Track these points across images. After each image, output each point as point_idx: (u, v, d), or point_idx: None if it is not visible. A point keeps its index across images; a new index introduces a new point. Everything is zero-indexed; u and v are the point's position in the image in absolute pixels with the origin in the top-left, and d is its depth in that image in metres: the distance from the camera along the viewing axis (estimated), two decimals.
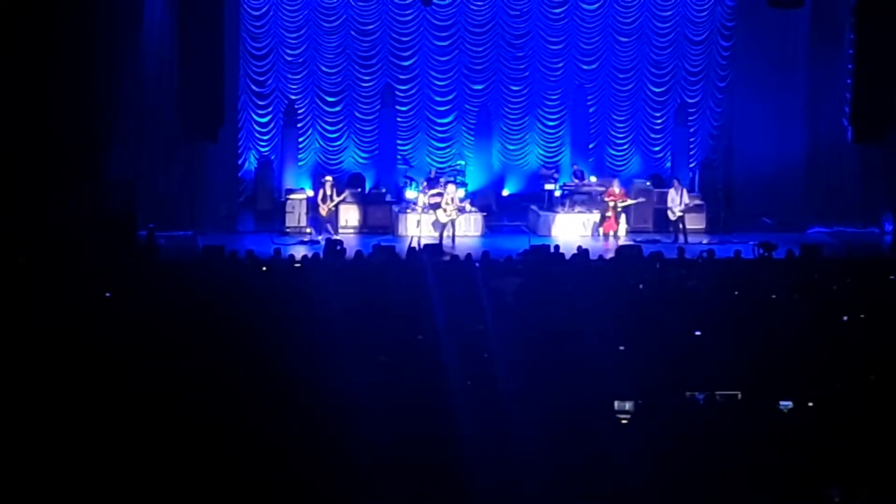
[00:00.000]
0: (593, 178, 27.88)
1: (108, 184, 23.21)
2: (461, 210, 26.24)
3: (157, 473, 9.33)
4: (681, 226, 26.16)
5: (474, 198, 28.02)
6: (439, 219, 25.71)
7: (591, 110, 29.94)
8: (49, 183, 21.85)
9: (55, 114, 22.08)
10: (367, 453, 9.68)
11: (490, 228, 27.17)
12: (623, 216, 26.40)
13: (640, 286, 17.74)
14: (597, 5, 29.68)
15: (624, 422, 11.13)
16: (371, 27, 29.38)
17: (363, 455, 9.67)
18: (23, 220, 21.13)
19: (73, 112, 22.37)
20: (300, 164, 29.11)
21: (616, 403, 11.52)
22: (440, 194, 26.08)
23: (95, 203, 22.36)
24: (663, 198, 27.24)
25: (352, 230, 26.74)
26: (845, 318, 15.54)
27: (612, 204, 26.19)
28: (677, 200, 26.25)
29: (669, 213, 26.32)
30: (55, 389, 10.60)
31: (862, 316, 15.65)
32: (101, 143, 23.19)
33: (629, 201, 26.53)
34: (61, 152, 22.18)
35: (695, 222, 26.65)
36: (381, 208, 27.22)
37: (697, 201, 26.82)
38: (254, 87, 29.12)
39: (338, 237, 24.74)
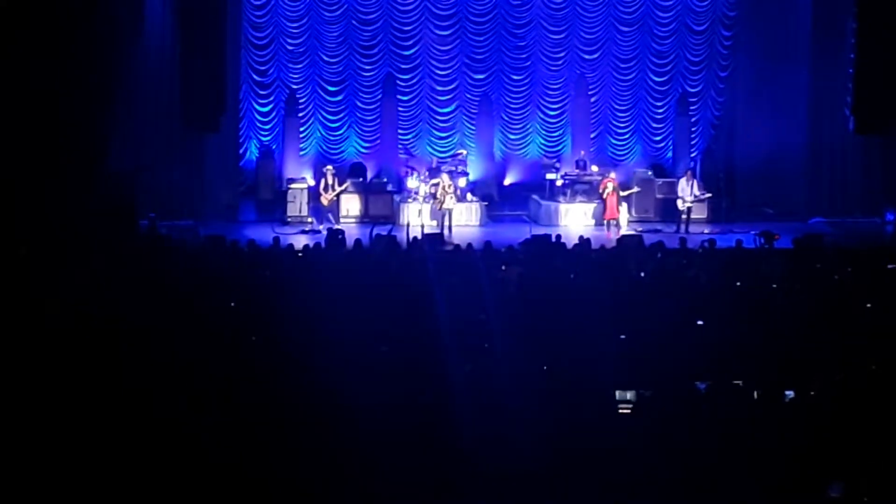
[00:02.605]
0: (595, 168, 27.87)
1: (110, 174, 23.19)
2: (458, 199, 26.20)
3: (161, 460, 9.35)
4: (684, 216, 26.15)
5: (475, 187, 28.04)
6: (435, 208, 25.75)
7: (592, 100, 29.96)
8: (50, 174, 21.81)
9: (56, 105, 22.03)
10: (370, 444, 9.69)
11: (491, 218, 27.18)
12: (624, 205, 26.38)
13: (642, 275, 17.73)
14: None
15: (625, 411, 11.13)
16: (372, 16, 29.40)
17: (365, 446, 9.68)
18: (24, 210, 21.11)
19: (74, 103, 22.32)
20: (301, 153, 29.14)
21: (617, 393, 11.53)
22: (438, 185, 26.10)
23: (97, 194, 22.34)
24: (665, 187, 27.26)
25: (353, 220, 26.74)
26: (846, 307, 15.53)
27: (606, 192, 26.19)
28: (688, 191, 26.22)
29: (679, 202, 26.26)
30: (57, 381, 10.61)
31: (863, 305, 15.64)
32: (103, 134, 23.16)
33: (624, 192, 26.50)
34: (62, 143, 22.14)
35: (697, 212, 26.61)
36: (383, 198, 27.21)
37: (708, 195, 26.68)
38: (255, 77, 29.16)
39: (339, 227, 24.73)
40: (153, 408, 10.12)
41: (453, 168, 27.37)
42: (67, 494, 9.06)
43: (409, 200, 26.72)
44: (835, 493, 9.35)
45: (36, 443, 9.40)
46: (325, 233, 23.51)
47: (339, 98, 29.62)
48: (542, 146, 30.20)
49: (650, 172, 28.24)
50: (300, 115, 29.16)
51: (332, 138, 29.69)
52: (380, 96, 29.48)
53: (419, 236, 22.71)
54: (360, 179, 27.83)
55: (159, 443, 9.54)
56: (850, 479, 9.43)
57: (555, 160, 29.06)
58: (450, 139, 29.87)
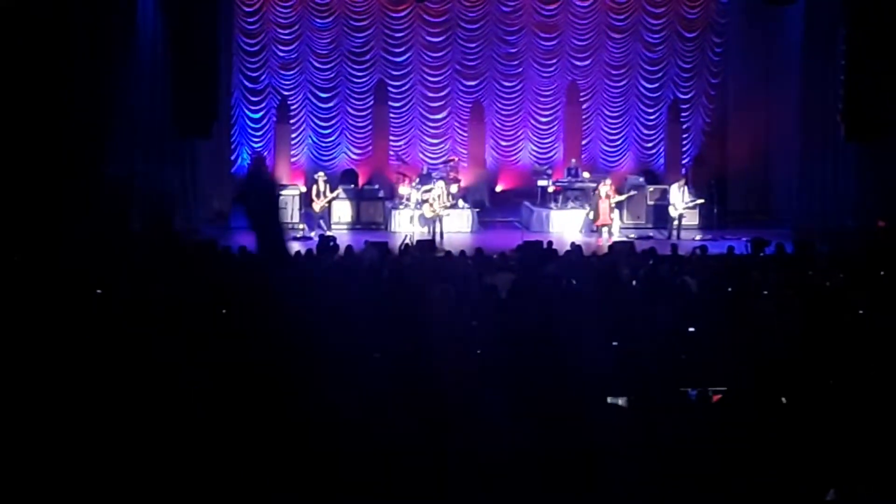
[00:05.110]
0: (586, 174, 27.92)
1: (103, 181, 23.17)
2: (450, 206, 26.21)
3: (155, 462, 9.33)
4: (676, 223, 26.20)
5: (467, 194, 28.07)
6: (425, 214, 25.75)
7: (584, 106, 30.01)
8: (44, 180, 21.80)
9: (50, 112, 22.02)
10: (363, 448, 9.68)
11: (483, 224, 27.21)
12: (617, 212, 26.43)
13: (634, 282, 17.73)
14: (590, 1, 29.73)
15: (616, 418, 11.11)
16: (364, 23, 29.42)
17: (359, 451, 9.67)
18: (17, 218, 21.09)
19: (67, 110, 22.31)
20: (293, 160, 29.14)
21: (608, 399, 11.51)
22: (431, 191, 26.14)
23: (90, 200, 22.33)
24: (657, 193, 27.31)
25: (345, 226, 26.75)
26: (838, 314, 15.54)
27: (602, 199, 26.24)
28: (679, 197, 26.26)
29: (671, 208, 26.32)
30: (53, 388, 10.59)
31: (855, 312, 15.65)
32: (97, 141, 23.14)
33: (619, 197, 26.56)
34: (56, 150, 22.13)
35: (688, 218, 26.69)
36: (374, 204, 27.24)
37: (700, 201, 26.73)
38: (247, 84, 29.18)
39: (331, 233, 24.73)
40: (145, 413, 10.10)
41: (444, 174, 27.40)
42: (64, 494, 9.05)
43: (401, 207, 26.74)
44: (830, 498, 9.35)
45: (35, 450, 9.38)
46: (316, 239, 23.51)
47: (330, 105, 29.66)
48: (534, 153, 30.26)
49: (642, 179, 28.29)
50: (292, 121, 29.20)
51: (323, 145, 29.72)
52: (371, 103, 29.53)
53: (411, 243, 22.73)
54: (352, 186, 27.86)
55: (153, 444, 9.52)
56: (845, 485, 9.43)
57: (546, 167, 29.11)
58: (441, 146, 29.90)
